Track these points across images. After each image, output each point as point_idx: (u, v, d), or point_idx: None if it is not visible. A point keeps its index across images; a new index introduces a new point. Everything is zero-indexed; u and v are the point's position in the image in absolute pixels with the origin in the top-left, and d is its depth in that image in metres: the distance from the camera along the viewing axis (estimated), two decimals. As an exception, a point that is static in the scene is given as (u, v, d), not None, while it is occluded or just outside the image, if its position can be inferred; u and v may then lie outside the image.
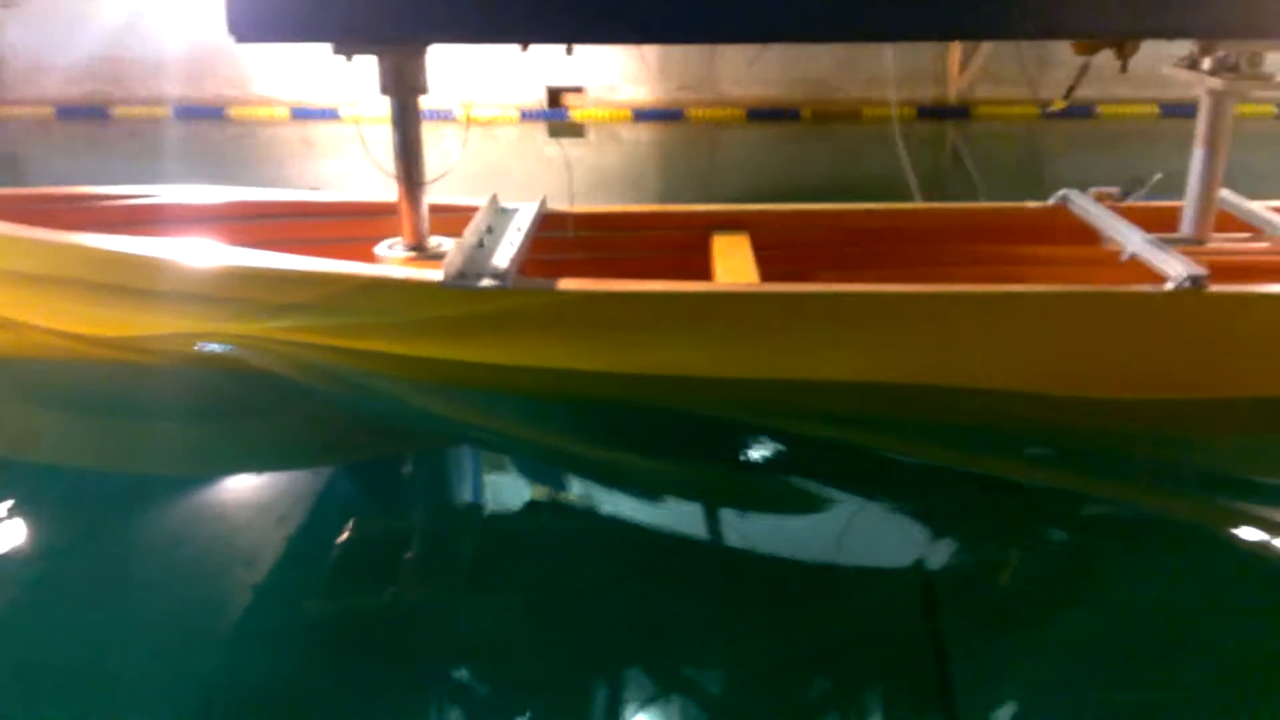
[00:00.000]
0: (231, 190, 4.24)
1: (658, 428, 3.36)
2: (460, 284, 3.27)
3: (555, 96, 8.98)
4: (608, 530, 2.87)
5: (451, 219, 3.79)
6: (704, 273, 3.76)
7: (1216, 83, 3.39)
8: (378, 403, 3.49)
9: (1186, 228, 3.65)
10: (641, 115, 9.08)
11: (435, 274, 3.31)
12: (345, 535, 2.81)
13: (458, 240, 3.47)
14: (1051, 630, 2.44)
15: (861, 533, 2.87)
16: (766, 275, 3.64)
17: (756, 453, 3.29)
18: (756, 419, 3.36)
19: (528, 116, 9.06)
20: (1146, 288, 3.24)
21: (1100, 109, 8.93)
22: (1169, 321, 3.26)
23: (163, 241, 3.57)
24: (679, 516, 2.97)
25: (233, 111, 9.58)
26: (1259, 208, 3.76)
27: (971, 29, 3.22)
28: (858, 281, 3.46)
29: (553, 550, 2.78)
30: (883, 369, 3.35)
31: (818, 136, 8.87)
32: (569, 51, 3.40)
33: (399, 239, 3.71)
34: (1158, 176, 3.91)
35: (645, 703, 2.22)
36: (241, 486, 3.08)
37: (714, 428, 3.35)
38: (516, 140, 8.63)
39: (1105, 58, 3.45)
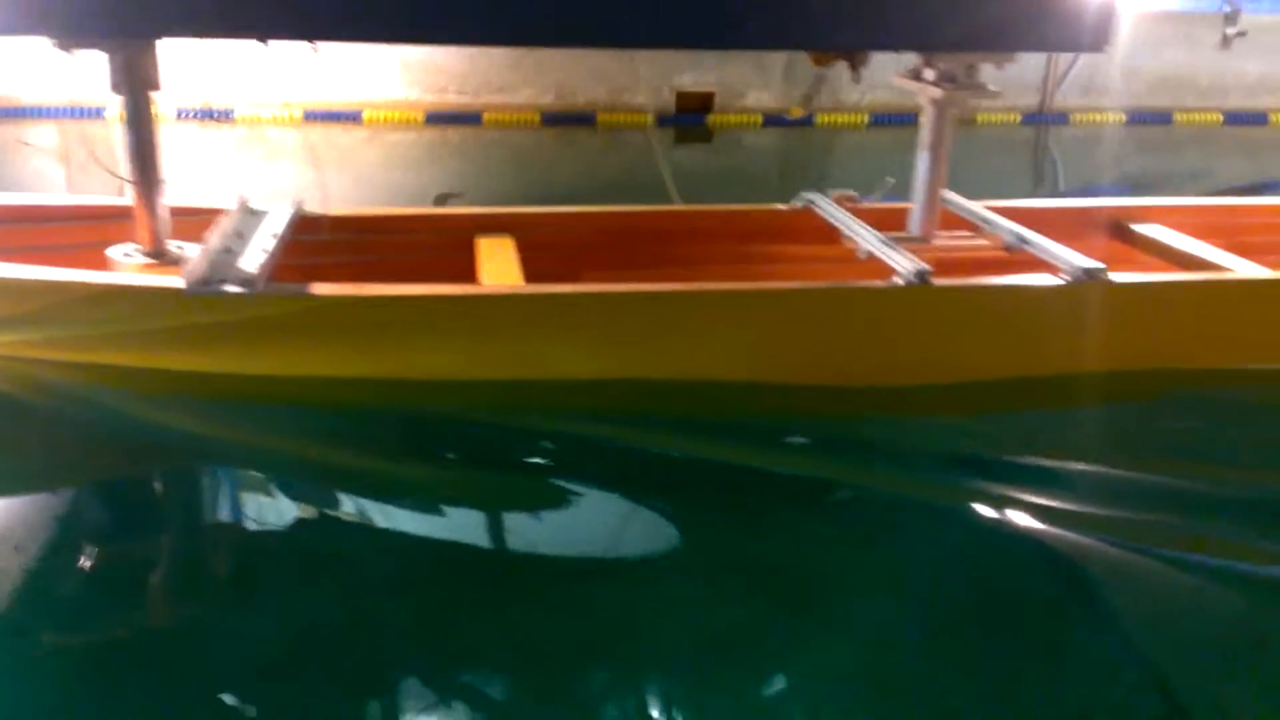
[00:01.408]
0: None
1: (421, 433, 3.32)
2: (204, 291, 3.12)
3: (685, 101, 8.82)
4: (374, 540, 2.81)
5: (197, 223, 3.61)
6: (469, 275, 3.75)
7: (937, 92, 3.67)
8: (118, 419, 3.28)
9: (914, 227, 3.93)
10: (770, 121, 8.96)
11: (177, 281, 3.15)
12: (90, 561, 2.62)
13: (202, 245, 3.31)
14: (809, 615, 2.56)
15: (628, 527, 2.93)
16: (532, 277, 3.66)
17: (520, 453, 3.29)
18: (520, 420, 3.37)
19: (664, 122, 8.87)
20: (879, 283, 3.48)
21: (1177, 116, 9.81)
22: (899, 314, 3.51)
23: None
24: (447, 522, 2.94)
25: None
26: (977, 207, 4.10)
27: (705, 38, 3.36)
28: (620, 282, 3.54)
29: (318, 565, 2.69)
30: (638, 366, 3.44)
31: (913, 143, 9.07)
32: (314, 49, 3.31)
33: (135, 245, 3.50)
34: (890, 181, 4.20)
35: (425, 711, 2.19)
36: (-31, 516, 2.82)
37: (478, 430, 3.34)
38: (640, 145, 8.32)
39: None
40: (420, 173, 7.54)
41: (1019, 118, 9.54)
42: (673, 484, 3.15)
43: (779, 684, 2.34)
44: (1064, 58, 9.16)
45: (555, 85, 8.65)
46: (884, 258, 3.58)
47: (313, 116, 8.62)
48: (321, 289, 3.20)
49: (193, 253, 3.34)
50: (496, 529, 2.91)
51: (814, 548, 2.86)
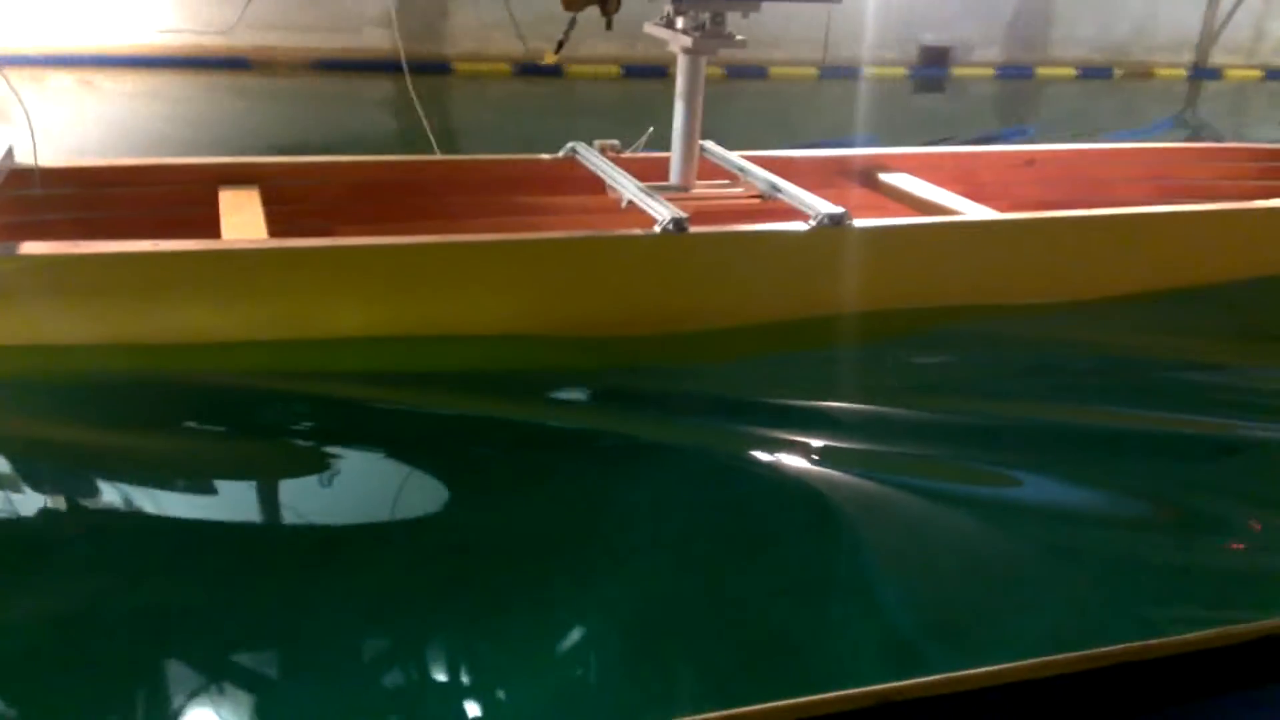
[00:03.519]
0: None
1: (159, 402, 3.10)
2: None
3: (929, 55, 10.28)
4: (119, 522, 2.62)
5: None
6: (211, 230, 3.53)
7: (687, 40, 3.70)
8: None
9: (675, 177, 3.97)
10: (1002, 72, 10.58)
11: None
12: None
13: None
14: (582, 563, 2.56)
15: (403, 489, 2.85)
16: (281, 231, 3.47)
17: (274, 418, 3.14)
18: (271, 383, 3.21)
19: (916, 74, 10.30)
20: (637, 231, 3.49)
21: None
22: (658, 261, 3.54)
23: None
24: (199, 496, 2.78)
25: None
26: (735, 156, 4.18)
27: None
28: (377, 235, 3.41)
29: (58, 553, 2.49)
30: (396, 322, 3.34)
31: (1109, 92, 10.58)
32: None
33: None
34: (651, 131, 4.23)
35: (195, 696, 2.07)
36: None
37: (224, 396, 3.16)
38: (885, 93, 9.70)
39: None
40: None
41: (1185, 72, 11.24)
42: (443, 442, 3.09)
43: (555, 632, 2.34)
44: (1218, 18, 11.11)
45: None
46: (643, 206, 3.60)
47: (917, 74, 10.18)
48: (31, 248, 2.92)
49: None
50: (261, 501, 2.78)
51: (584, 498, 2.86)
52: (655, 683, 2.23)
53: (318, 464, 2.93)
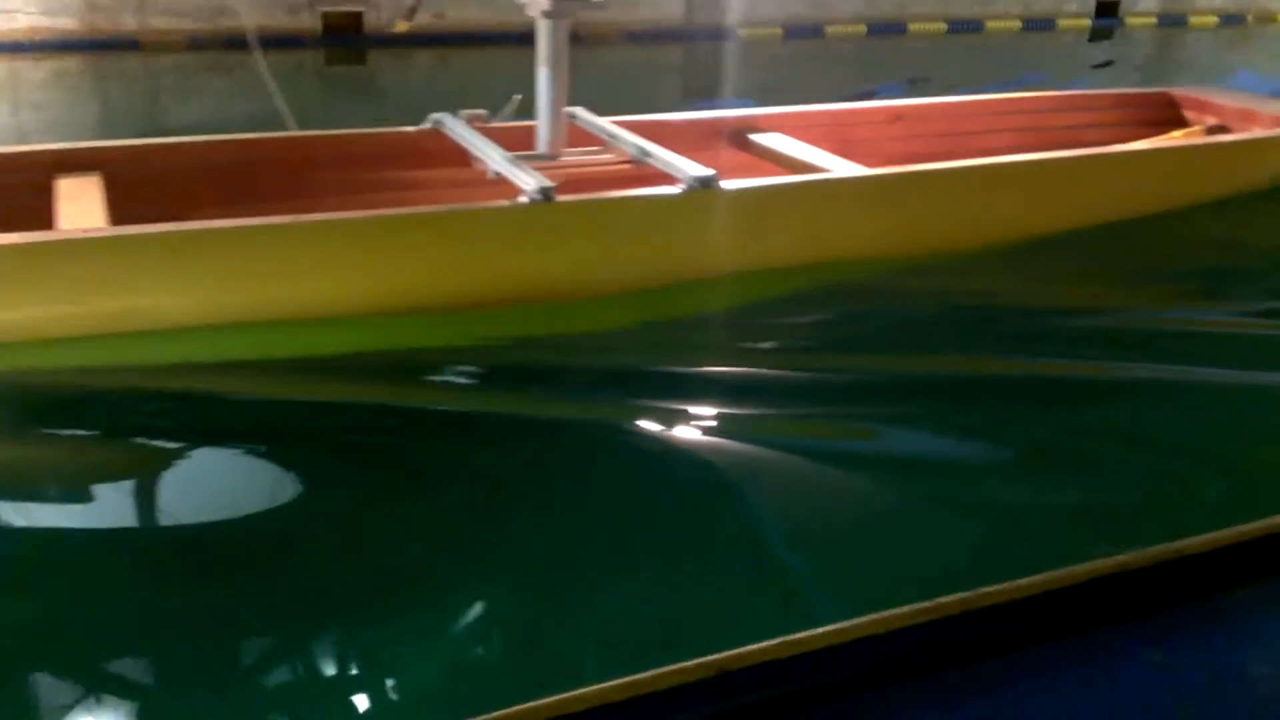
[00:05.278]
0: None
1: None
2: None
3: (1102, 7, 11.82)
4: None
5: None
6: (48, 221, 3.30)
7: (545, 4, 3.61)
8: None
9: (542, 145, 3.88)
10: (1162, 21, 12.32)
11: None
12: None
13: None
14: (476, 545, 2.48)
15: (265, 482, 2.73)
16: (127, 219, 3.27)
17: (128, 417, 2.97)
18: (122, 380, 3.04)
19: (1099, 27, 11.95)
20: (504, 203, 3.40)
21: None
22: (526, 232, 3.46)
23: None
24: (53, 505, 2.63)
25: None
26: (605, 122, 4.11)
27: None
28: (231, 218, 3.24)
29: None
30: (253, 308, 3.19)
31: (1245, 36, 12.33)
32: None
33: None
34: (517, 98, 4.12)
35: (66, 710, 1.96)
36: None
37: (71, 396, 2.99)
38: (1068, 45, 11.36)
39: None
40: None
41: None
42: (314, 431, 2.97)
43: (446, 613, 2.27)
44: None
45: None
46: (510, 177, 3.50)
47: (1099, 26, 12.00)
48: None
49: None
50: (121, 507, 2.63)
51: (471, 480, 2.78)
52: (554, 657, 2.17)
53: (177, 463, 2.80)
